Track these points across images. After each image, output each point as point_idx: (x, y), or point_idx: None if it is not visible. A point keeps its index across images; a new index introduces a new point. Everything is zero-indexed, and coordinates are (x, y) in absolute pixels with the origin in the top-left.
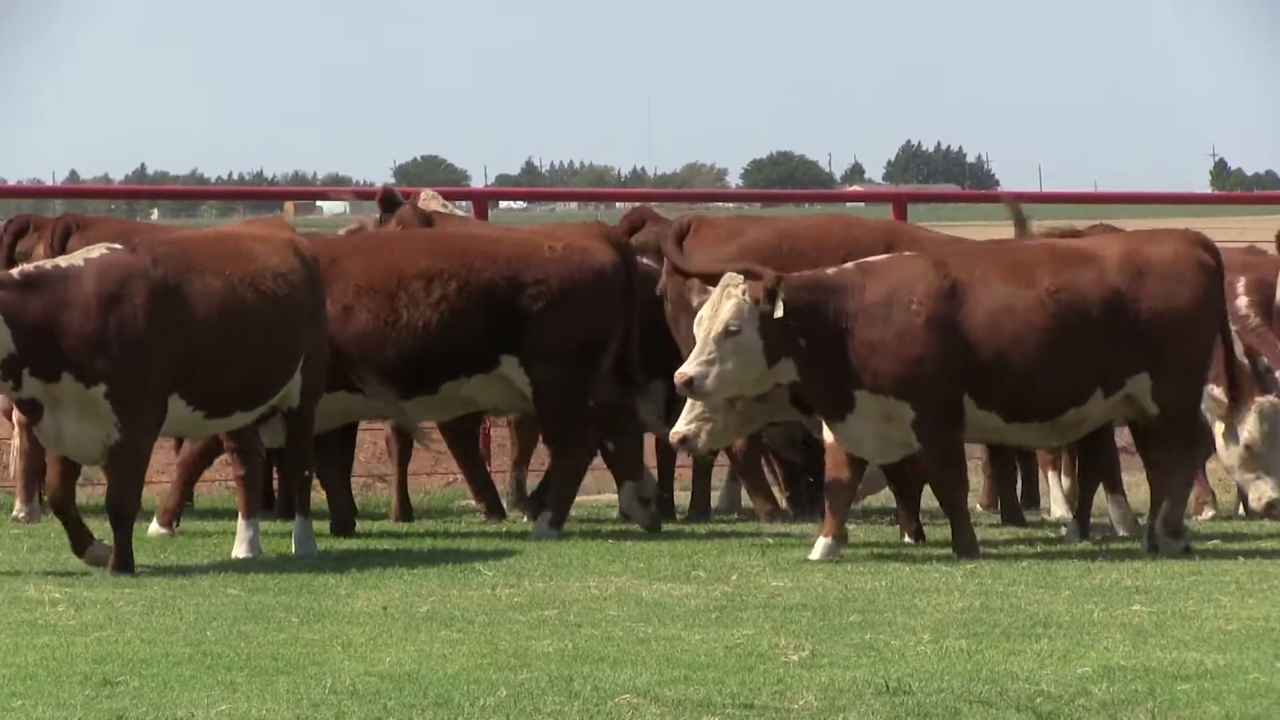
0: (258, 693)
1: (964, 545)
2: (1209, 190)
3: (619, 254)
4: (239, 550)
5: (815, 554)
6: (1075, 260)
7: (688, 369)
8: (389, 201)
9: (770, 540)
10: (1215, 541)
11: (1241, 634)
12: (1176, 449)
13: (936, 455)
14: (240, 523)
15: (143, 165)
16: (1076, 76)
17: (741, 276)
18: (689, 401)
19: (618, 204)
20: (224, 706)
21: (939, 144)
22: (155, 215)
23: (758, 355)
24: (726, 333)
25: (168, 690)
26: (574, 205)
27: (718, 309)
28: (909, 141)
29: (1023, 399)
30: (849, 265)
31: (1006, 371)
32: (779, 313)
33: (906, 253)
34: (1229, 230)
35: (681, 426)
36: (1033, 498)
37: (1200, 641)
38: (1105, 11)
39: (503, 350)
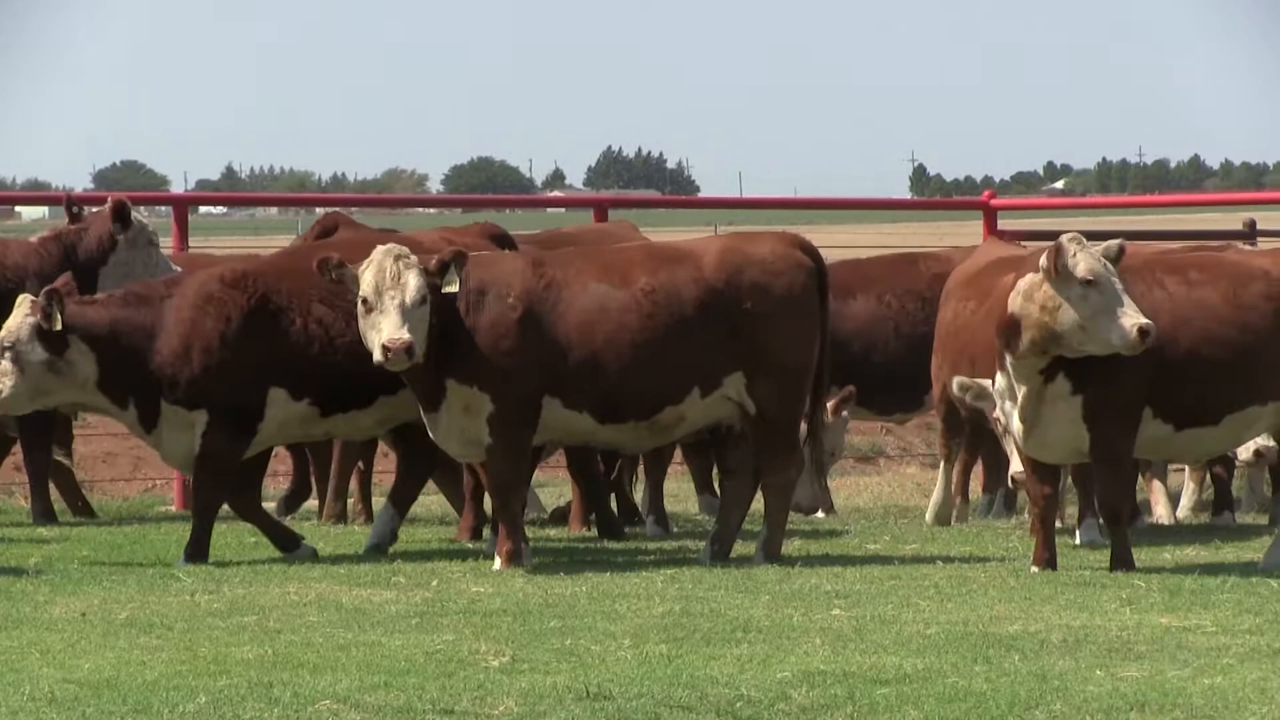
0: None
1: (511, 552)
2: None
3: None
4: None
5: (497, 565)
6: (671, 260)
7: (404, 335)
8: (121, 214)
9: (469, 545)
10: (914, 546)
11: (940, 638)
12: (772, 460)
13: (502, 454)
14: None
15: None
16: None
17: (407, 249)
18: None
19: (318, 209)
20: None
21: (640, 150)
22: None
23: (427, 326)
24: (422, 300)
25: None
26: (274, 211)
27: (400, 279)
28: (610, 147)
29: (616, 399)
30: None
31: (599, 372)
32: (453, 287)
33: (507, 251)
34: (928, 235)
35: None
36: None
37: (899, 646)
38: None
39: None
